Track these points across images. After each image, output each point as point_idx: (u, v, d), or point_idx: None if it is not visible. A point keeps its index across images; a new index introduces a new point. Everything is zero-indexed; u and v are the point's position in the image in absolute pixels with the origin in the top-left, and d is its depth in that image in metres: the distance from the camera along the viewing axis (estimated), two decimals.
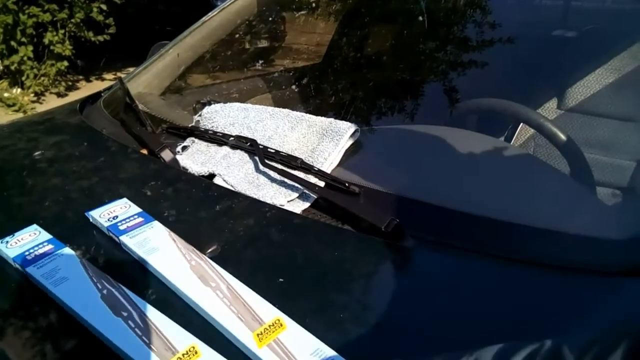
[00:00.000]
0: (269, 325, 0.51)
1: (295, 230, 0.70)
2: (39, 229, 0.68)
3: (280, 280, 0.60)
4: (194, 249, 0.63)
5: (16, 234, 0.67)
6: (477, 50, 1.20)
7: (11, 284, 0.62)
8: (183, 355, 0.48)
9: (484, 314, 0.55)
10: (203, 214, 0.74)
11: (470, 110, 1.10)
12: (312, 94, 1.37)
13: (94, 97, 1.31)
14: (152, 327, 0.52)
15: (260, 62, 1.58)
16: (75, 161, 0.93)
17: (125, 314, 0.53)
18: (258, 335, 0.50)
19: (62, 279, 0.59)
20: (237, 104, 0.98)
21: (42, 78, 4.00)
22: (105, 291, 0.57)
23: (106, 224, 0.68)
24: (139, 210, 0.71)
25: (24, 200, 0.82)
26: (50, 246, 0.64)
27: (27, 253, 0.63)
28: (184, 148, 0.93)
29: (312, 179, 0.77)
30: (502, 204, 0.74)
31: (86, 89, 4.31)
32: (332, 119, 0.86)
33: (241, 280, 0.58)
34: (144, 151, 0.95)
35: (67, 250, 0.64)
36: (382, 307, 0.56)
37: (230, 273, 0.59)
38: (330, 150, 0.82)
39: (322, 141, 0.83)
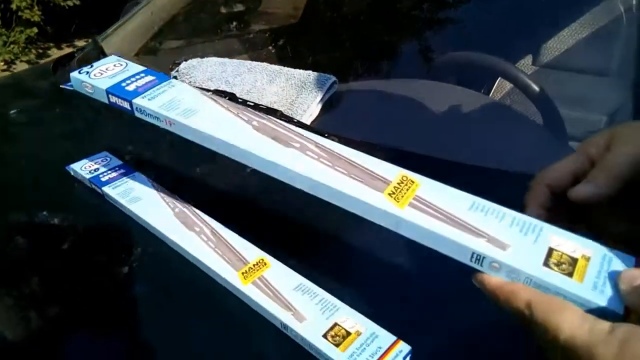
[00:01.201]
0: (254, 265, 0.53)
1: (278, 180, 0.71)
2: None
3: (264, 225, 0.61)
4: (178, 197, 0.64)
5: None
6: (455, 8, 1.21)
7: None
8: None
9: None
10: (186, 166, 0.74)
11: (447, 63, 1.11)
12: (290, 52, 1.37)
13: (67, 58, 1.29)
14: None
15: (236, 23, 1.56)
16: (52, 119, 0.93)
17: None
18: (243, 273, 0.51)
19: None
20: (215, 59, 0.97)
21: (12, 45, 3.87)
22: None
23: (88, 176, 0.68)
24: (120, 162, 0.71)
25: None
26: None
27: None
28: None
29: None
30: (478, 152, 0.76)
31: (58, 56, 4.20)
32: (310, 72, 0.87)
33: (226, 227, 0.59)
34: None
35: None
36: (360, 252, 0.59)
37: (216, 220, 0.60)
38: (309, 102, 0.82)
39: (301, 94, 0.84)
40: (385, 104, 0.89)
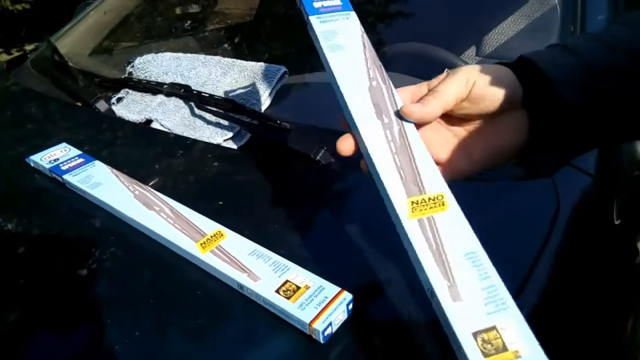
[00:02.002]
0: (211, 236, 0.57)
1: (232, 163, 0.75)
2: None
3: (220, 203, 0.66)
4: (137, 181, 0.67)
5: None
6: (404, 2, 1.28)
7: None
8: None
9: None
10: (143, 155, 0.78)
11: (394, 55, 1.18)
12: (245, 48, 1.40)
13: (21, 59, 1.29)
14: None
15: (191, 22, 1.59)
16: (8, 118, 0.94)
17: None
18: (201, 244, 0.56)
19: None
20: (169, 54, 1.00)
21: None
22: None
23: (48, 166, 0.70)
24: (79, 152, 0.74)
25: None
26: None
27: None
28: (119, 99, 0.96)
29: (246, 120, 0.82)
30: None
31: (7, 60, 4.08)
32: (262, 63, 0.91)
33: (184, 205, 0.63)
34: (79, 104, 0.96)
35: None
36: (310, 219, 0.64)
37: (174, 199, 0.64)
38: (262, 92, 0.87)
39: (254, 84, 0.88)
40: (332, 93, 0.94)
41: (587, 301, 0.63)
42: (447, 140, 0.45)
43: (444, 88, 0.42)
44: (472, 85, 0.42)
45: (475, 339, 0.35)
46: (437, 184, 0.42)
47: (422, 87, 0.45)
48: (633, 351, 0.72)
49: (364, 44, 0.50)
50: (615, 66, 0.41)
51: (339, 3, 0.53)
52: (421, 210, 0.40)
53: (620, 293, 0.73)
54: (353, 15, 0.52)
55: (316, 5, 0.53)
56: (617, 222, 0.71)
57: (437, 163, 0.44)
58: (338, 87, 0.47)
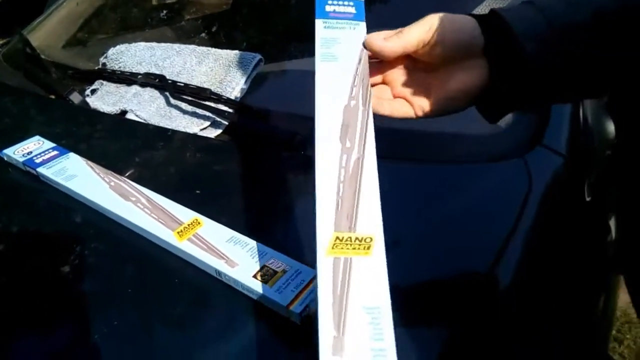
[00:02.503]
0: (188, 224, 0.57)
1: (209, 151, 0.75)
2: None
3: (197, 192, 0.66)
4: (112, 172, 0.67)
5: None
6: None
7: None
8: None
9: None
10: (118, 146, 0.77)
11: None
12: (222, 39, 1.39)
13: None
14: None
15: (166, 12, 1.57)
16: None
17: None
18: (178, 232, 0.56)
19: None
20: (143, 44, 0.99)
21: None
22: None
23: (22, 159, 0.70)
24: (53, 145, 0.73)
25: None
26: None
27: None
28: (93, 91, 0.95)
29: (222, 108, 0.82)
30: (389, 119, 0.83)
31: None
32: (237, 51, 0.91)
33: (161, 195, 0.63)
34: (53, 97, 0.95)
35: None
36: (288, 204, 0.64)
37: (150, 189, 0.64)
38: (238, 80, 0.86)
39: (229, 72, 0.88)
40: (310, 80, 0.95)
41: (560, 279, 0.64)
42: (413, 82, 0.48)
43: (408, 30, 0.45)
44: (435, 31, 0.44)
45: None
46: (371, 226, 0.38)
47: (395, 31, 0.47)
48: (605, 328, 0.75)
49: (360, 58, 0.47)
50: (577, 23, 0.43)
51: (353, 11, 0.50)
52: (342, 248, 0.37)
53: (592, 271, 0.75)
54: (361, 27, 0.49)
55: (328, 8, 0.50)
56: (588, 200, 0.73)
57: (405, 100, 0.48)
58: (315, 98, 0.44)
